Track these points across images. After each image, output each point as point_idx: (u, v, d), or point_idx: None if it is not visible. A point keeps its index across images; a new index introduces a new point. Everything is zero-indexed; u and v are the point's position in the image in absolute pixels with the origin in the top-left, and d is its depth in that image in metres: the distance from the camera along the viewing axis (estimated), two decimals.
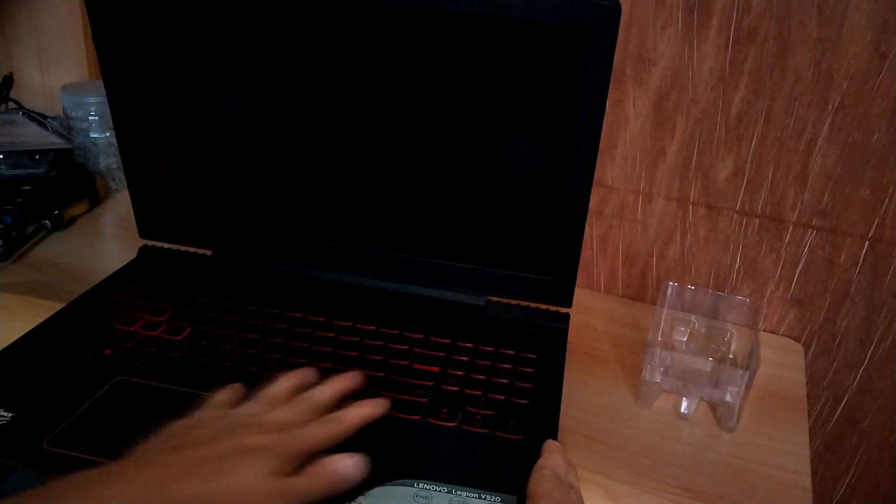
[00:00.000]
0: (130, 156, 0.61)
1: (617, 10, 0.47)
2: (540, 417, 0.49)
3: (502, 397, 0.50)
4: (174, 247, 0.65)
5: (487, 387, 0.51)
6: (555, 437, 0.47)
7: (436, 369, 0.52)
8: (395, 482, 0.41)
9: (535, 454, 0.44)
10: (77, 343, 0.52)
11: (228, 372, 0.50)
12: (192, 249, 0.64)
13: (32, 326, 0.54)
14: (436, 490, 0.40)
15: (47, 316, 0.56)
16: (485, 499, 0.40)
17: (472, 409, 0.48)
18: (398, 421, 0.47)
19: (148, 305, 0.57)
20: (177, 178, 0.62)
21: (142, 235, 0.64)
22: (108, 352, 0.51)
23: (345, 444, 0.44)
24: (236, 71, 0.55)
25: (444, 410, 0.48)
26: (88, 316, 0.56)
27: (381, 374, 0.51)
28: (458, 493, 0.40)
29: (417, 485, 0.41)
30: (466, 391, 0.50)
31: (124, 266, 0.63)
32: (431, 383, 0.51)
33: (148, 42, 0.55)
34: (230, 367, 0.51)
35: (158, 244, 0.65)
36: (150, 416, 0.45)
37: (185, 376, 0.49)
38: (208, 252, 0.64)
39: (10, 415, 0.44)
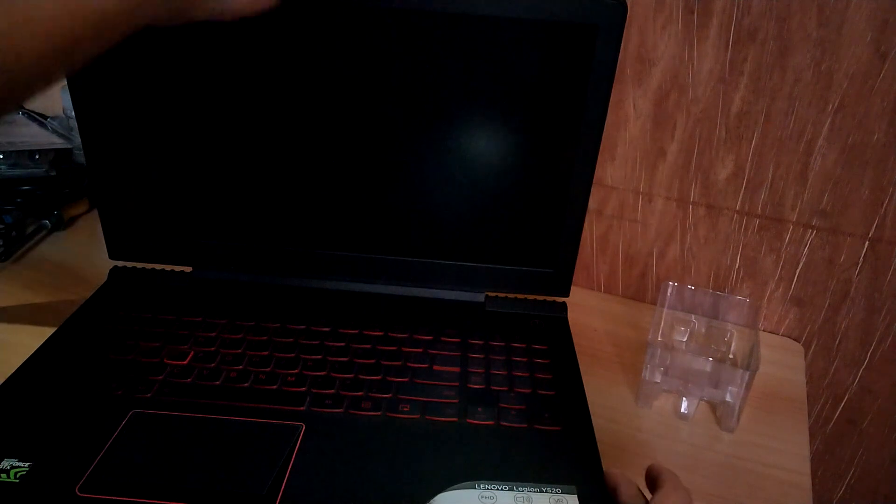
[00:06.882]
0: (98, 169, 0.56)
1: (623, 9, 0.47)
2: (570, 406, 0.50)
3: (528, 390, 0.51)
4: (147, 266, 0.61)
5: (510, 381, 0.51)
6: (589, 424, 0.48)
7: (457, 369, 0.52)
8: (456, 486, 0.41)
9: (575, 443, 0.46)
10: (75, 379, 0.49)
11: (246, 393, 0.49)
12: (168, 267, 0.61)
13: (31, 325, 0.54)
14: (498, 489, 0.40)
15: (47, 316, 0.55)
16: (545, 492, 0.40)
17: (506, 406, 0.49)
18: (439, 425, 0.47)
19: (139, 331, 0.54)
20: (150, 193, 0.57)
21: (112, 256, 0.59)
22: (112, 385, 0.48)
23: (391, 456, 0.44)
24: (211, 76, 0.52)
25: (480, 409, 0.48)
26: (77, 348, 0.52)
27: (406, 379, 0.51)
28: (520, 489, 0.40)
29: (479, 486, 0.41)
30: (493, 388, 0.51)
31: (98, 291, 0.59)
32: (457, 383, 0.51)
33: (115, 49, 0.51)
34: (248, 388, 0.49)
35: (130, 264, 0.61)
36: (177, 447, 0.44)
37: (203, 402, 0.47)
38: (187, 269, 0.61)
39: (28, 464, 0.41)
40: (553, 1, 0.47)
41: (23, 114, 0.84)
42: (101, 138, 0.55)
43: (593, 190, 0.54)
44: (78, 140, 0.79)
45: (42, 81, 0.35)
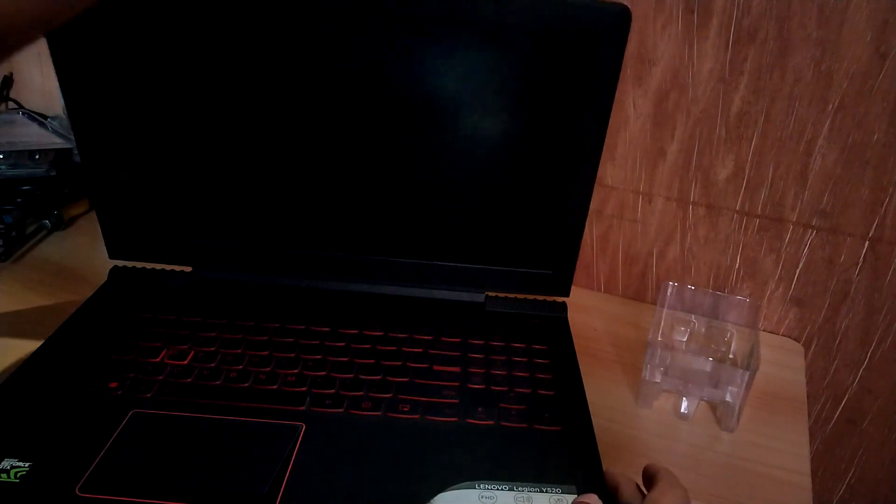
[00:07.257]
0: (95, 167, 0.56)
1: (627, 16, 0.47)
2: (570, 406, 0.50)
3: (528, 390, 0.51)
4: (147, 265, 0.61)
5: (510, 381, 0.52)
6: (589, 424, 0.48)
7: (457, 369, 0.52)
8: (456, 486, 0.41)
9: (575, 443, 0.46)
10: (75, 379, 0.49)
11: (246, 393, 0.49)
12: (168, 267, 0.61)
13: (31, 325, 0.53)
14: (498, 489, 0.40)
15: (47, 316, 0.55)
16: (546, 492, 0.41)
17: (506, 406, 0.49)
18: (439, 425, 0.47)
19: (139, 331, 0.54)
20: (149, 192, 0.57)
21: (111, 256, 0.59)
22: (113, 385, 0.48)
23: (391, 456, 0.44)
24: (211, 76, 0.51)
25: (480, 409, 0.48)
26: (77, 348, 0.52)
27: (406, 379, 0.51)
28: (521, 489, 0.40)
29: (479, 486, 0.41)
30: (493, 388, 0.51)
31: (98, 291, 0.59)
32: (457, 383, 0.51)
33: (109, 48, 0.51)
34: (248, 388, 0.49)
35: (130, 264, 0.61)
36: (177, 447, 0.44)
37: (203, 402, 0.47)
38: (187, 269, 0.61)
39: (28, 464, 0.41)
40: (556, 7, 0.47)
41: (23, 114, 0.84)
42: (97, 138, 0.55)
43: (594, 190, 0.54)
44: None
45: (23, 38, 0.33)
